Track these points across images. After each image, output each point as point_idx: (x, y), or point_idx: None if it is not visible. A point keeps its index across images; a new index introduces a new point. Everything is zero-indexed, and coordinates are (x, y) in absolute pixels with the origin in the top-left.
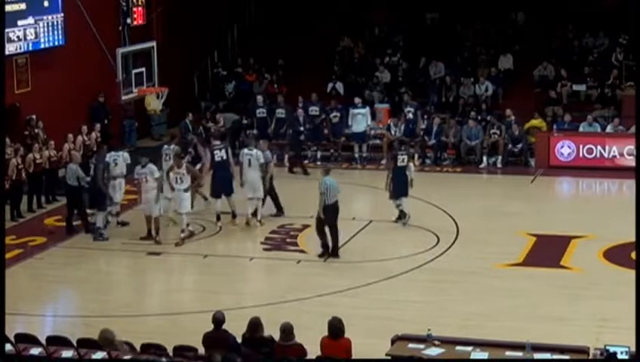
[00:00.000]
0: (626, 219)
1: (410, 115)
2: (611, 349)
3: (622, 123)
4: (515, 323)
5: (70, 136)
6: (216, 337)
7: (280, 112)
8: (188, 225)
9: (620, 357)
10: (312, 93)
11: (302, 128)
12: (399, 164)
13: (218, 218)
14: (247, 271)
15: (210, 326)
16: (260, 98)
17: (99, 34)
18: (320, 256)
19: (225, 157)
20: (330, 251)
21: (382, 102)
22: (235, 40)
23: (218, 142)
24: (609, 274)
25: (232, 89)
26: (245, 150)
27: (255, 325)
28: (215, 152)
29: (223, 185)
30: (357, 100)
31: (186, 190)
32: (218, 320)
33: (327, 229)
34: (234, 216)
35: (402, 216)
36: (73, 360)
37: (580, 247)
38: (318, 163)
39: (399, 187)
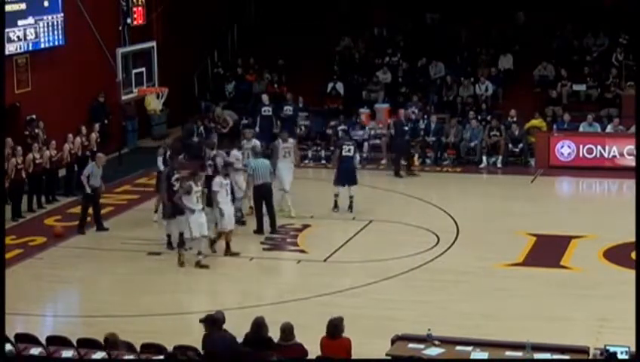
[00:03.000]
0: (626, 219)
1: (414, 116)
2: (611, 349)
3: (622, 123)
4: (515, 323)
5: (70, 136)
6: (217, 337)
7: (287, 109)
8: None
9: (620, 357)
10: (287, 93)
11: (406, 128)
12: (344, 153)
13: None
14: (247, 271)
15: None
16: (265, 97)
17: (99, 34)
18: (255, 231)
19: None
20: (259, 231)
21: (383, 102)
22: (235, 40)
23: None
24: (609, 274)
25: (232, 89)
26: (284, 143)
27: (259, 325)
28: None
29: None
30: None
31: (203, 209)
32: (218, 320)
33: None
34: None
35: (336, 205)
36: (73, 360)
37: (580, 247)
38: (323, 161)
39: (342, 175)
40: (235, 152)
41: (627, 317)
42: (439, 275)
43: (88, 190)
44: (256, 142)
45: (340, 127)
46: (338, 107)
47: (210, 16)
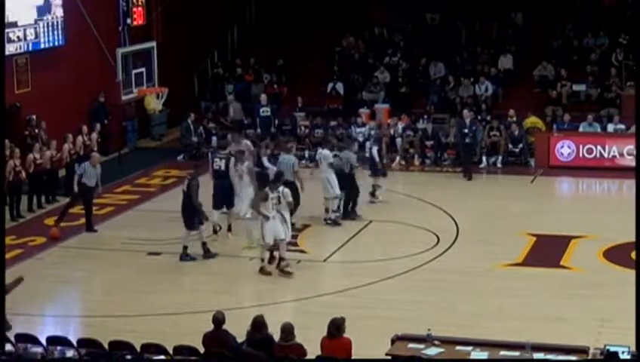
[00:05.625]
0: (626, 219)
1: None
2: (611, 349)
3: (622, 121)
4: (515, 323)
5: (70, 136)
6: (217, 337)
7: (264, 111)
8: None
9: (620, 356)
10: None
11: (467, 130)
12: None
13: (215, 231)
14: (247, 271)
15: (210, 326)
16: (263, 97)
17: (99, 34)
18: None
19: (223, 168)
20: None
21: (383, 102)
22: (235, 40)
23: (221, 152)
24: (609, 274)
25: (232, 89)
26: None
27: (259, 324)
28: (215, 160)
29: (224, 195)
30: (359, 120)
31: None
32: (218, 320)
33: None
34: (229, 229)
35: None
36: (73, 360)
37: (580, 247)
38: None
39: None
40: (325, 151)
41: (627, 317)
42: (439, 275)
43: (76, 189)
44: (246, 143)
45: (338, 132)
46: (338, 107)
47: (210, 16)
